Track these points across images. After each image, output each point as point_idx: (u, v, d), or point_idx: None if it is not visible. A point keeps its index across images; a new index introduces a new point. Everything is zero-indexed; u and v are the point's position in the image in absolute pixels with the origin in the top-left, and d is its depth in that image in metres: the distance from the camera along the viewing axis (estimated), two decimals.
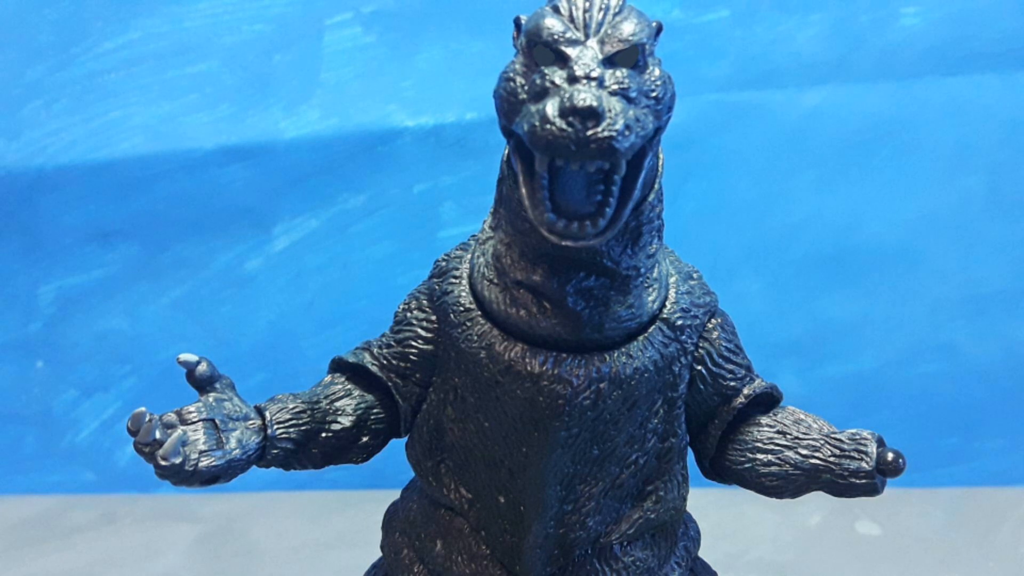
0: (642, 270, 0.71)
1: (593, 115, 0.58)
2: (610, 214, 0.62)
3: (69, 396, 1.69)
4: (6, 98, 1.61)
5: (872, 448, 0.73)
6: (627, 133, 0.59)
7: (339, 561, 1.40)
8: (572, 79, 0.60)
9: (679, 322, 0.74)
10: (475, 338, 0.73)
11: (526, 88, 0.63)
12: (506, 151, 0.69)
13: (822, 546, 1.43)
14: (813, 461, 0.74)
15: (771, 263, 1.59)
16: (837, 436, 0.75)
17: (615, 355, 0.71)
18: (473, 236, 0.80)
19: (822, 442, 0.75)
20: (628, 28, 0.63)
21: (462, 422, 0.77)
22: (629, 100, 0.62)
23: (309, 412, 0.77)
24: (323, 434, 0.78)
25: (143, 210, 1.63)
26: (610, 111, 0.59)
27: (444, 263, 0.79)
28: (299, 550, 1.46)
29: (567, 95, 0.59)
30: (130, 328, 1.67)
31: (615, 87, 0.61)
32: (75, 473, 1.69)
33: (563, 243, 0.63)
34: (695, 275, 0.78)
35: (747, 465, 0.78)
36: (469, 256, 0.78)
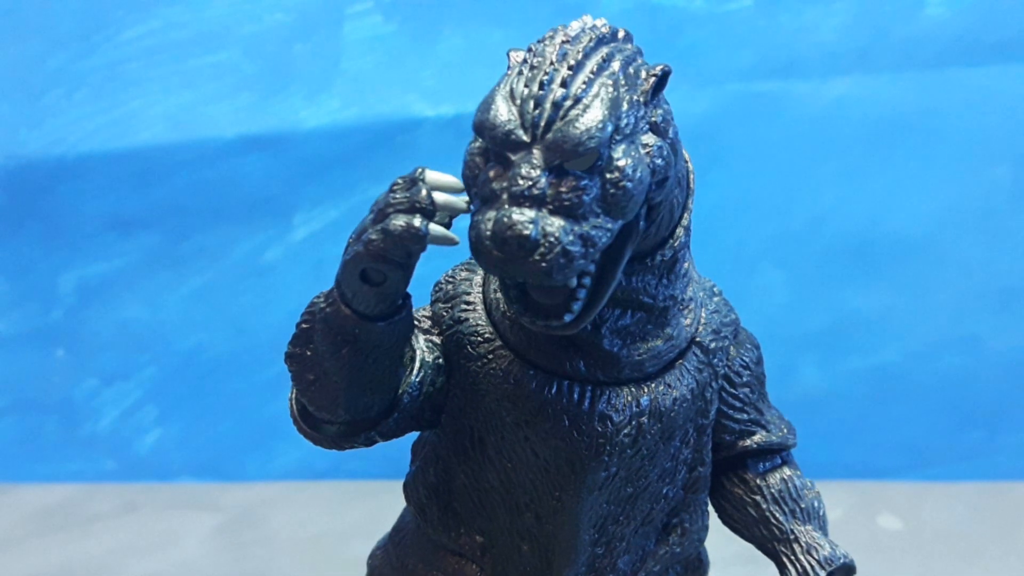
0: (678, 296, 0.68)
1: (524, 245, 0.54)
2: (578, 309, 0.59)
3: (89, 385, 1.69)
4: (28, 87, 1.61)
5: None
6: (563, 261, 0.54)
7: (357, 550, 1.39)
8: (511, 196, 0.55)
9: (712, 345, 0.71)
10: (500, 373, 0.67)
11: (479, 179, 0.58)
12: None
13: (843, 540, 1.40)
14: (767, 546, 0.76)
15: (794, 254, 1.58)
16: (793, 545, 0.75)
17: (653, 386, 0.67)
18: None
19: (783, 538, 0.75)
20: (583, 128, 0.55)
21: (478, 465, 0.70)
22: (575, 217, 0.55)
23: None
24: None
25: (163, 199, 1.63)
26: (546, 237, 0.54)
27: (450, 287, 0.72)
28: (318, 539, 1.46)
29: (504, 216, 0.54)
30: (150, 317, 1.67)
31: (558, 204, 0.55)
32: (95, 462, 1.69)
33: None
34: (716, 290, 0.75)
35: (713, 503, 0.79)
36: (479, 280, 0.71)
